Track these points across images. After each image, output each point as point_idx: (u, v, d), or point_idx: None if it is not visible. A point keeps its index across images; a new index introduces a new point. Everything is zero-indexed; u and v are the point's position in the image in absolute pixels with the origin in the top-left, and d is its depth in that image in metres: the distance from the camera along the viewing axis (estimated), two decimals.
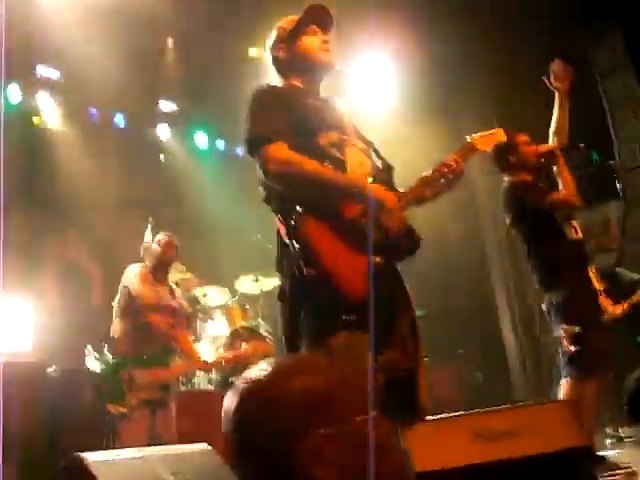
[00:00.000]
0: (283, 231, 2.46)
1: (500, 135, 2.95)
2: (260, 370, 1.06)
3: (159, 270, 5.14)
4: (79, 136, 8.11)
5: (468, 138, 2.82)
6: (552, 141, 4.25)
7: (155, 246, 5.18)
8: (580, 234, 4.17)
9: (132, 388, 4.53)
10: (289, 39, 2.76)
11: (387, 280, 2.50)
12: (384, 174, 2.68)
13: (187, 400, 5.52)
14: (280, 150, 2.43)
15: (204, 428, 4.27)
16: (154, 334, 4.80)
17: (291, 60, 2.76)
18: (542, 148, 4.22)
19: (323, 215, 2.40)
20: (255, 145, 2.50)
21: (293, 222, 2.37)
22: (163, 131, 8.95)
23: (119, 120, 8.42)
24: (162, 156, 8.99)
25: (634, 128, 6.44)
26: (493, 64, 7.39)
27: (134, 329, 4.84)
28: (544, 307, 6.58)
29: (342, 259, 2.34)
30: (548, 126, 4.35)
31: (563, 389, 4.05)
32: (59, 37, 6.64)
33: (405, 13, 6.71)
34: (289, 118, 2.53)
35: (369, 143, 2.78)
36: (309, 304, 2.40)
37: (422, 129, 7.95)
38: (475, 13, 6.80)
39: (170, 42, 7.78)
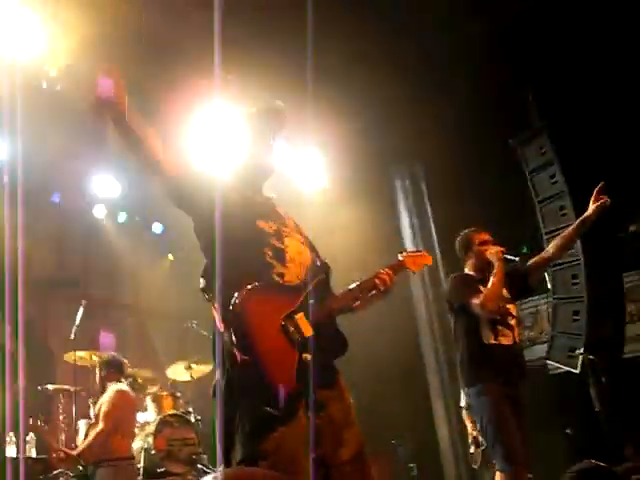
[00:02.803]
0: (219, 320, 2.46)
1: (427, 259, 3.18)
2: None
3: None
4: (12, 211, 7.93)
5: (400, 257, 3.04)
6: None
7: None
8: (508, 339, 4.24)
9: None
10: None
11: (319, 376, 2.49)
12: (321, 271, 2.72)
13: None
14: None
15: None
16: None
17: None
18: (491, 250, 4.38)
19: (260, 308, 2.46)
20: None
21: (230, 312, 2.40)
22: (99, 211, 8.83)
23: (55, 197, 8.29)
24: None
25: (562, 223, 6.66)
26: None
27: None
28: (462, 403, 6.68)
29: (274, 353, 2.39)
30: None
31: None
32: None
33: None
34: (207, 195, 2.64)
35: (307, 240, 2.86)
36: (244, 400, 2.41)
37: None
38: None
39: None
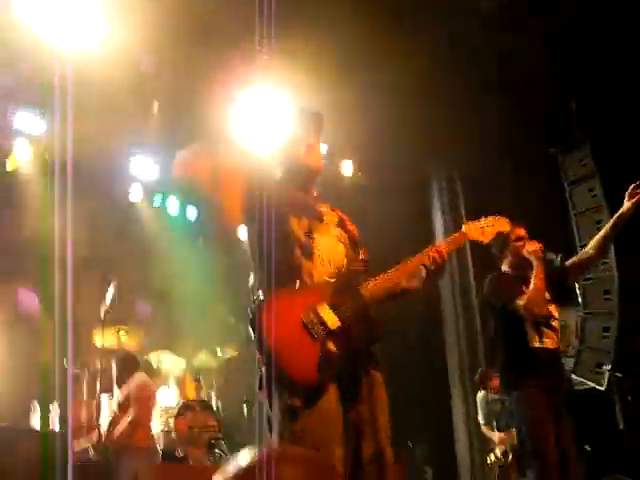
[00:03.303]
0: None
1: (502, 225, 3.03)
2: (246, 459, 1.02)
3: None
4: (49, 185, 8.03)
5: (463, 227, 2.96)
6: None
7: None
8: (552, 341, 4.12)
9: None
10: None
11: (348, 365, 2.60)
12: (359, 264, 2.79)
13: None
14: None
15: None
16: None
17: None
18: (528, 247, 4.20)
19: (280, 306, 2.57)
20: None
21: (250, 312, 2.56)
22: (136, 194, 8.89)
23: (92, 177, 8.35)
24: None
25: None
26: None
27: None
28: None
29: (294, 349, 2.50)
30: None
31: None
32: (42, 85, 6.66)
33: None
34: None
35: (348, 235, 2.91)
36: (271, 395, 2.54)
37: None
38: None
39: (156, 106, 7.83)
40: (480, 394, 6.80)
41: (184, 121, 7.75)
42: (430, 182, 8.94)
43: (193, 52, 6.91)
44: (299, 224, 2.75)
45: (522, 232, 4.34)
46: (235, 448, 5.43)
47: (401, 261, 2.79)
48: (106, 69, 6.55)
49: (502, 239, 4.25)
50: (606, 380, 5.99)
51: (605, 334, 6.20)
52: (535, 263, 4.11)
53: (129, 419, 5.38)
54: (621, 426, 5.63)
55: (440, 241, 2.85)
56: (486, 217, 3.03)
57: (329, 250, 2.76)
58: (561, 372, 4.23)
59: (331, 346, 2.53)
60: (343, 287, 2.66)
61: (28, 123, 7.52)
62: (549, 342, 4.11)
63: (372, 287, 2.70)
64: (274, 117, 6.74)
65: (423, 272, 2.76)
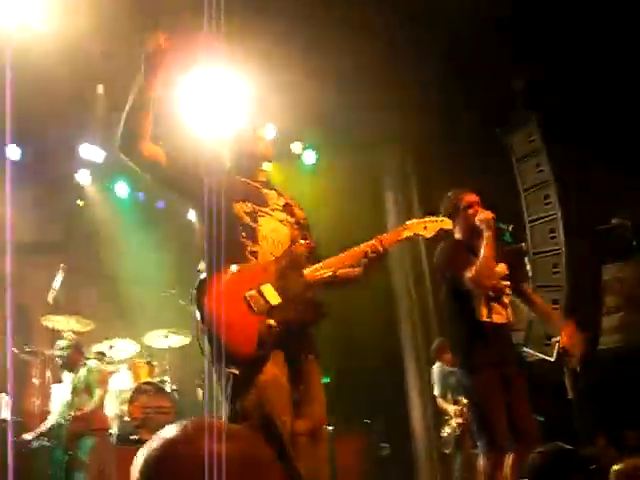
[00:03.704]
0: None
1: (447, 224, 3.17)
2: (168, 432, 1.01)
3: None
4: None
5: (407, 222, 3.09)
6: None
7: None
8: (501, 317, 4.13)
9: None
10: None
11: (294, 340, 2.72)
12: (303, 247, 2.92)
13: None
14: None
15: None
16: None
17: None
18: (480, 215, 4.09)
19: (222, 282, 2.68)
20: None
21: (194, 289, 2.67)
22: (83, 176, 8.75)
23: (40, 160, 8.18)
24: (79, 201, 8.75)
25: (545, 212, 6.69)
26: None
27: None
28: (435, 391, 6.70)
29: (235, 324, 2.60)
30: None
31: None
32: None
33: None
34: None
35: (295, 218, 3.08)
36: (218, 367, 2.64)
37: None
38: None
39: (100, 88, 7.69)
40: (435, 366, 6.87)
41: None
42: (382, 163, 8.96)
43: (140, 32, 6.80)
44: (243, 208, 2.87)
45: (473, 198, 4.25)
46: None
47: (346, 249, 2.91)
48: (50, 50, 6.41)
49: (452, 204, 4.24)
50: (556, 352, 6.10)
51: (554, 306, 6.31)
52: (485, 233, 3.99)
53: (94, 402, 5.33)
54: (570, 396, 5.75)
55: (384, 234, 2.95)
56: (432, 215, 3.14)
57: (273, 233, 2.90)
58: (509, 345, 4.23)
59: (271, 321, 2.62)
60: (285, 268, 2.78)
61: None
62: (497, 317, 4.09)
63: (313, 271, 2.82)
64: (223, 100, 6.68)
65: (364, 261, 2.89)
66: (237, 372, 2.54)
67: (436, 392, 6.84)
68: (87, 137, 8.30)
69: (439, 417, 6.92)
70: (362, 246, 2.89)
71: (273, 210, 2.98)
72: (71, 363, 5.66)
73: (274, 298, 2.69)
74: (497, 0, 6.36)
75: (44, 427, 5.50)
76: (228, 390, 2.59)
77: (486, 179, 7.19)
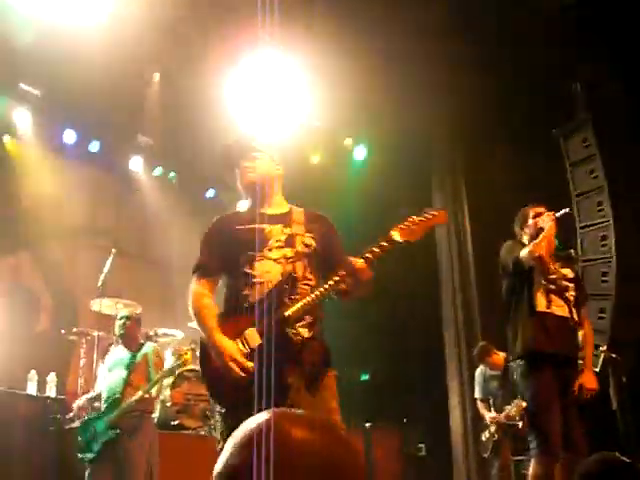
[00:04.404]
0: None
1: (441, 218, 3.09)
2: (253, 423, 1.01)
3: None
4: (49, 157, 8.03)
5: (392, 232, 2.99)
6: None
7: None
8: (562, 309, 4.12)
9: (96, 437, 5.05)
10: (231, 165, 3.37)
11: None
12: (288, 283, 3.06)
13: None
14: (197, 284, 3.18)
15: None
16: None
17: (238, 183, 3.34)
18: (543, 217, 4.33)
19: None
20: (193, 271, 3.23)
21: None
22: (136, 164, 8.90)
23: (94, 146, 8.35)
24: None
25: (598, 219, 6.57)
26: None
27: None
28: (477, 394, 6.65)
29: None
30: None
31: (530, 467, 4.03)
32: (45, 55, 6.63)
33: None
34: (217, 250, 3.19)
35: (298, 252, 3.15)
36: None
37: None
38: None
39: (156, 76, 7.80)
40: (478, 370, 6.81)
41: (184, 94, 7.75)
42: (430, 161, 8.90)
43: (195, 23, 6.90)
44: (245, 256, 3.07)
45: (541, 209, 4.41)
46: None
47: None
48: (106, 38, 6.53)
49: (523, 217, 4.47)
50: (601, 361, 5.99)
51: (601, 315, 6.20)
52: (547, 225, 4.19)
53: (150, 386, 5.27)
54: (614, 407, 5.64)
55: (363, 254, 2.98)
56: (414, 216, 3.01)
57: (266, 274, 3.03)
58: (571, 341, 4.14)
59: (249, 364, 2.86)
60: (268, 308, 2.93)
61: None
62: (558, 310, 4.10)
63: (294, 306, 2.97)
64: (271, 93, 6.74)
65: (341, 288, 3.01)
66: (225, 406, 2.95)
67: (477, 394, 6.78)
68: (142, 125, 8.44)
69: (479, 421, 6.85)
70: (338, 276, 2.97)
71: (271, 250, 3.10)
72: (129, 337, 5.48)
73: (254, 341, 2.94)
74: None
75: (93, 394, 5.49)
76: (220, 428, 2.96)
77: (540, 182, 7.12)
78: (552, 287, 4.11)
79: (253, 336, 2.93)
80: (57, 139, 8.06)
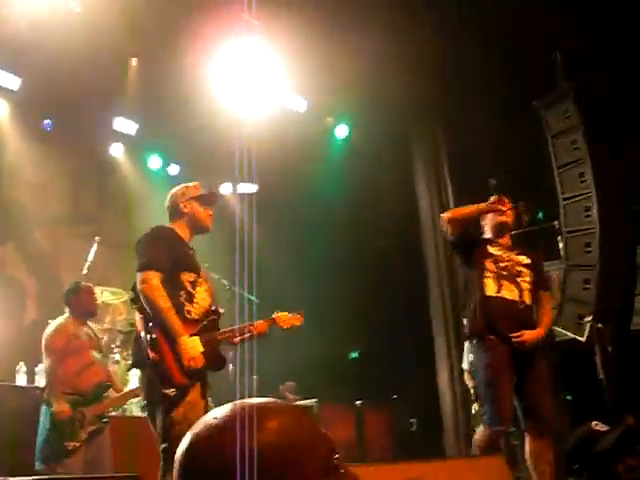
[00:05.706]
0: (140, 324, 3.65)
1: (297, 321, 4.07)
2: (211, 417, 1.01)
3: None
4: (30, 146, 7.95)
5: (273, 315, 4.01)
6: None
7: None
8: (512, 294, 4.25)
9: (84, 424, 5.07)
10: (194, 201, 3.97)
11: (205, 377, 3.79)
12: (214, 313, 3.87)
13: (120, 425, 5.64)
14: (152, 278, 3.59)
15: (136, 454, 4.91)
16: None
17: (190, 216, 3.95)
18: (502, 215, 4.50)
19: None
20: (140, 268, 3.64)
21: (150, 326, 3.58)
22: (117, 149, 8.83)
23: (73, 133, 8.27)
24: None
25: (580, 190, 6.58)
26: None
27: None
28: (464, 365, 6.73)
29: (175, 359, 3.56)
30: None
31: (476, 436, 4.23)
32: (20, 42, 6.54)
33: None
34: (167, 256, 3.71)
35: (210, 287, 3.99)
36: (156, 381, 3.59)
37: None
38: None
39: (134, 61, 7.72)
40: (467, 343, 6.87)
41: (164, 77, 7.67)
42: (412, 140, 8.90)
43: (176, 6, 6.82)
44: (187, 278, 3.78)
45: (505, 199, 4.52)
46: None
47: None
48: (86, 24, 6.46)
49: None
50: (587, 331, 6.04)
51: (586, 286, 6.24)
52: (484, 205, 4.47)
53: None
54: (600, 376, 5.71)
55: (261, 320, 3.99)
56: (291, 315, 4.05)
57: (202, 299, 3.81)
58: (520, 324, 4.22)
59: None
60: (207, 327, 3.75)
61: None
62: (508, 294, 4.24)
63: (221, 332, 3.78)
64: (254, 75, 6.71)
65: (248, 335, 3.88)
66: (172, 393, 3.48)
67: (464, 366, 6.84)
68: (121, 110, 8.36)
69: (468, 393, 6.92)
70: (243, 325, 3.83)
71: (204, 280, 3.91)
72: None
73: (199, 347, 3.60)
74: None
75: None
76: (165, 405, 3.48)
77: (517, 152, 7.13)
78: (504, 273, 4.28)
79: (198, 343, 3.63)
80: (36, 128, 7.98)
